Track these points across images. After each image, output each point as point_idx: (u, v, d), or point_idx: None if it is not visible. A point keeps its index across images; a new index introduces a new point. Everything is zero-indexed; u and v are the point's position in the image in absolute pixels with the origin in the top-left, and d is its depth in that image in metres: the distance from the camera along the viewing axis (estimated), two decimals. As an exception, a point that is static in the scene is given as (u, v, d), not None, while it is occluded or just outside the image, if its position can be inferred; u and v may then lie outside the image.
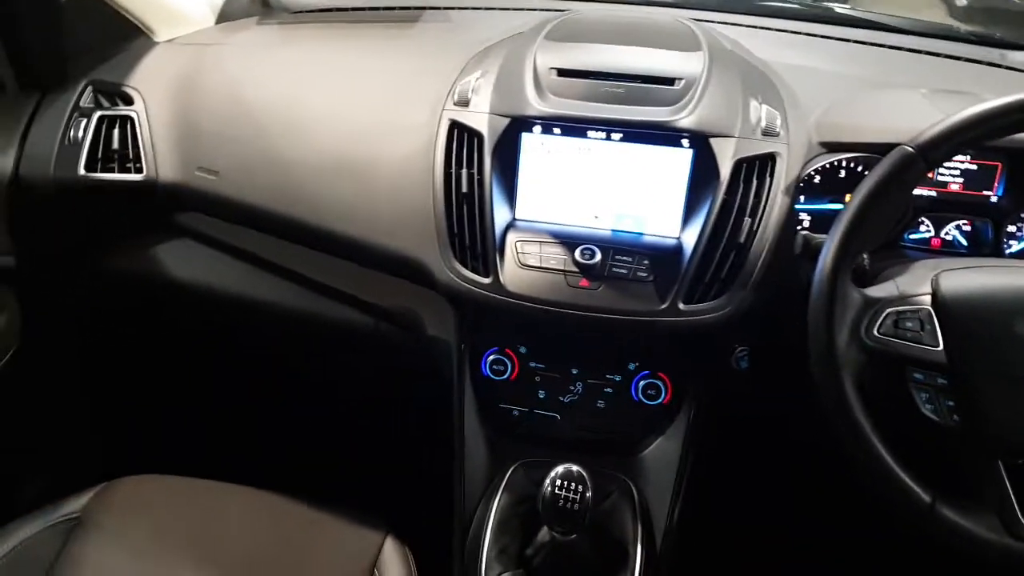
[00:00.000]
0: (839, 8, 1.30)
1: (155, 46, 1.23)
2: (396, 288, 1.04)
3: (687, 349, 0.96)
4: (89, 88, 1.15)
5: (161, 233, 1.20)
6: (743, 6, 1.27)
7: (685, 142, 0.91)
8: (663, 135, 0.91)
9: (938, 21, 1.43)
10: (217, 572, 0.92)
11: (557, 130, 0.94)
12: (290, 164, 1.05)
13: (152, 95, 1.15)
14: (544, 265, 0.91)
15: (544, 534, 0.88)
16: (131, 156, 1.12)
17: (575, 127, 0.93)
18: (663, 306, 0.88)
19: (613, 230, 0.95)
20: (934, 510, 0.71)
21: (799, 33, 1.20)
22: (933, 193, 0.95)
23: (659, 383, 0.97)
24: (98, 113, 1.12)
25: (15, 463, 1.27)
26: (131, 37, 1.22)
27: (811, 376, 0.75)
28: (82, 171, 1.10)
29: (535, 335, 0.99)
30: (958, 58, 1.14)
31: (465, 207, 0.93)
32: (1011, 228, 0.95)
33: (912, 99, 0.98)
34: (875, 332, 0.74)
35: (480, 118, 0.95)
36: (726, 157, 0.90)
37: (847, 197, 0.93)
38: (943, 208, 0.95)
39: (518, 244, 0.93)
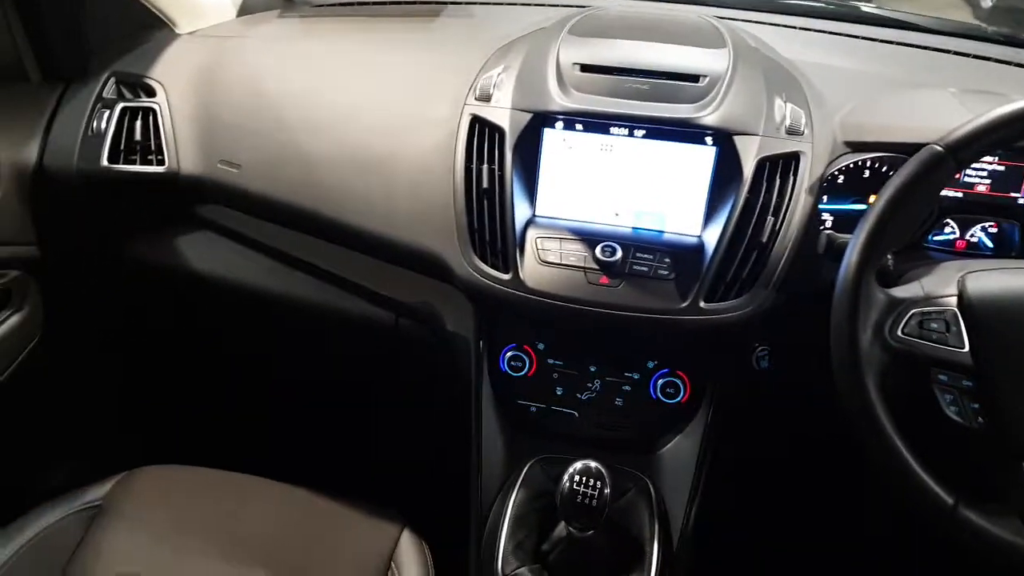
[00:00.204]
0: (865, 7, 1.29)
1: (177, 38, 1.24)
2: (415, 283, 1.05)
3: (707, 348, 0.96)
4: (112, 80, 1.16)
5: (182, 225, 1.20)
6: (768, 5, 1.26)
7: (709, 140, 0.91)
8: (686, 132, 0.91)
9: (964, 21, 1.42)
10: (235, 561, 0.93)
11: (579, 126, 0.93)
12: (311, 158, 1.05)
13: (174, 87, 1.16)
14: (564, 262, 0.91)
15: (561, 530, 0.88)
16: (153, 148, 1.12)
17: (597, 123, 0.93)
18: (684, 304, 0.88)
19: (634, 227, 0.95)
20: (957, 512, 0.70)
21: (824, 32, 1.19)
22: (959, 194, 0.94)
23: (678, 381, 0.96)
24: (121, 104, 1.13)
25: (38, 451, 1.28)
26: (153, 29, 1.23)
27: (833, 376, 0.75)
28: (105, 162, 1.10)
29: (553, 332, 0.99)
30: (985, 58, 1.13)
31: (485, 203, 0.93)
32: None
33: (940, 99, 0.97)
34: (899, 333, 0.74)
35: (502, 113, 0.95)
36: (750, 155, 0.89)
37: (871, 198, 0.93)
38: (969, 209, 0.94)
39: (538, 240, 0.93)
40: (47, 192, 1.12)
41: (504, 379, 1.00)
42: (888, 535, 1.31)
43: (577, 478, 0.82)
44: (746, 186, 0.89)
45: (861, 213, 0.81)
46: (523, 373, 1.00)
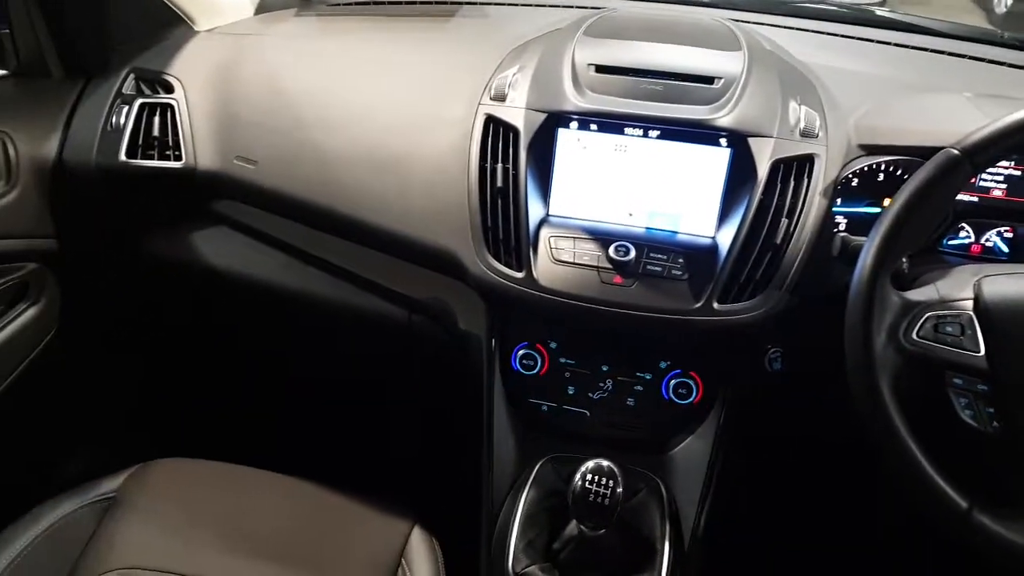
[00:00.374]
0: (880, 11, 1.29)
1: (195, 35, 1.25)
2: (429, 281, 1.05)
3: (720, 349, 0.96)
4: (131, 76, 1.17)
5: (198, 220, 1.21)
6: (782, 8, 1.26)
7: (723, 141, 0.91)
8: (701, 133, 0.91)
9: (978, 26, 1.41)
10: (247, 555, 0.93)
11: (594, 126, 0.94)
12: (327, 155, 1.06)
13: (192, 84, 1.17)
14: (578, 261, 0.92)
15: (572, 528, 0.88)
16: (171, 144, 1.13)
17: (612, 123, 0.93)
18: (697, 305, 0.88)
19: (647, 228, 0.95)
20: (971, 517, 0.70)
21: (839, 35, 1.19)
22: (975, 199, 0.94)
23: (690, 382, 0.96)
24: (139, 100, 1.14)
25: (53, 443, 1.30)
26: (172, 26, 1.24)
27: (846, 379, 0.75)
28: (123, 157, 1.11)
29: (565, 331, 0.99)
30: (1000, 63, 1.13)
31: (499, 201, 0.93)
32: None
33: (955, 103, 0.97)
34: (914, 336, 0.74)
35: (516, 113, 0.95)
36: (764, 157, 0.89)
37: (885, 201, 0.93)
38: (985, 214, 0.94)
39: (552, 239, 0.93)
40: (66, 186, 1.13)
41: (516, 377, 1.01)
42: (900, 539, 1.31)
43: (589, 477, 0.82)
44: (760, 188, 0.89)
45: (875, 216, 0.81)
46: (535, 372, 1.00)
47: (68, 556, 0.91)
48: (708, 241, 0.93)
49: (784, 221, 0.88)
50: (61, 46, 1.13)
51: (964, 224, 0.95)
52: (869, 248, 0.75)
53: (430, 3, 1.34)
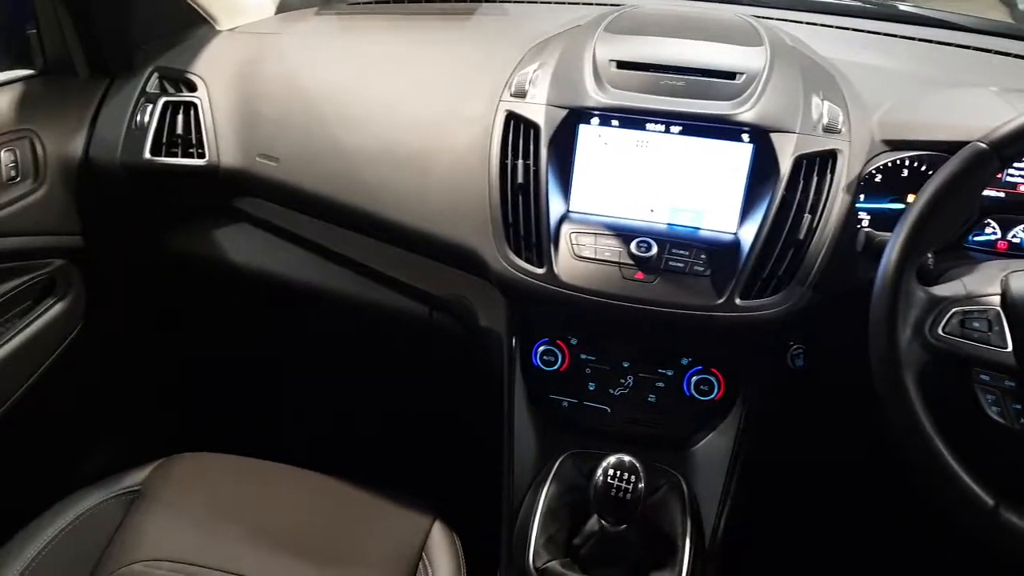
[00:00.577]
0: (903, 6, 1.28)
1: (218, 35, 1.26)
2: (449, 277, 1.06)
3: (742, 345, 0.95)
4: (155, 74, 1.19)
5: (220, 217, 1.23)
6: (805, 4, 1.25)
7: (745, 136, 0.91)
8: (723, 129, 0.91)
9: (1003, 20, 1.40)
10: (270, 548, 0.94)
11: (615, 122, 0.94)
12: (348, 152, 1.07)
13: (215, 82, 1.18)
14: (599, 257, 0.92)
15: (593, 524, 0.88)
16: (194, 141, 1.14)
17: (634, 119, 0.93)
18: (720, 301, 0.88)
19: (669, 224, 0.95)
20: (997, 514, 0.69)
21: (862, 31, 1.18)
22: (1002, 194, 0.93)
23: (712, 379, 0.96)
24: (163, 99, 1.16)
25: (79, 436, 1.31)
26: (195, 26, 1.26)
27: (871, 375, 0.74)
28: (147, 155, 1.13)
29: (586, 327, 0.99)
30: None
31: (520, 198, 0.93)
32: None
33: (981, 98, 0.96)
34: (940, 331, 0.73)
35: (537, 109, 0.95)
36: (786, 153, 0.89)
37: (909, 197, 0.92)
38: (1011, 210, 0.93)
39: (573, 235, 0.93)
40: (92, 183, 1.15)
41: (536, 373, 1.01)
42: (924, 539, 1.29)
43: (611, 472, 0.82)
44: (783, 183, 0.88)
45: (899, 213, 0.80)
46: (555, 368, 1.00)
47: (95, 547, 0.93)
48: (730, 237, 0.92)
49: (807, 217, 0.88)
50: (87, 46, 1.14)
51: (990, 220, 0.94)
52: (895, 242, 0.74)
53: (449, 1, 1.34)
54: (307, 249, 1.18)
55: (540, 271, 0.92)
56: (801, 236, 0.88)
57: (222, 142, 1.14)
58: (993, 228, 0.94)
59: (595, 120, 0.94)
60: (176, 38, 1.24)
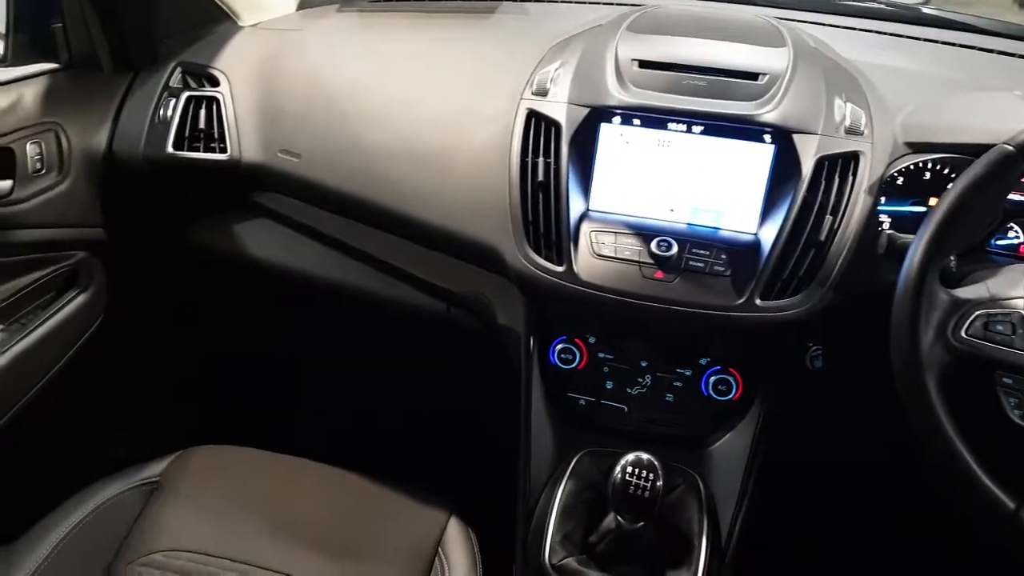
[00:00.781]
0: (926, 9, 1.27)
1: (240, 30, 1.27)
2: (468, 274, 1.06)
3: (761, 346, 0.95)
4: (178, 69, 1.20)
5: (240, 212, 1.23)
6: (827, 6, 1.25)
7: (767, 137, 0.91)
8: (745, 129, 0.91)
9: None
10: (287, 541, 0.95)
11: (637, 121, 0.94)
12: (369, 149, 1.07)
13: (237, 77, 1.19)
14: (619, 255, 0.91)
15: (610, 521, 0.88)
16: (216, 136, 1.15)
17: (655, 118, 0.93)
18: (740, 301, 0.88)
19: (689, 224, 0.95)
20: (1018, 518, 0.69)
21: (885, 33, 1.18)
22: None
23: (730, 379, 0.96)
24: (186, 94, 1.17)
25: (99, 426, 1.33)
26: (218, 21, 1.27)
27: (890, 377, 0.74)
28: (170, 149, 1.14)
29: (604, 325, 0.99)
30: None
31: (541, 195, 0.94)
32: None
33: (1005, 101, 0.95)
34: (963, 334, 0.73)
35: (558, 108, 0.95)
36: (808, 154, 0.89)
37: (931, 200, 0.92)
38: None
39: (593, 234, 0.93)
40: (115, 177, 1.16)
41: (554, 371, 1.01)
42: (943, 542, 1.29)
43: (630, 469, 0.82)
44: (804, 185, 0.88)
45: (921, 216, 0.80)
46: (573, 366, 1.00)
47: (115, 536, 0.94)
48: (750, 238, 0.92)
49: (828, 218, 0.88)
50: (111, 40, 1.15)
51: (1013, 224, 0.93)
52: (919, 243, 0.74)
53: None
54: (326, 245, 1.19)
55: (559, 269, 0.92)
56: (822, 237, 0.87)
57: (244, 137, 1.15)
58: (1016, 232, 0.94)
59: (617, 119, 0.94)
60: (199, 33, 1.25)
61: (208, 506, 0.98)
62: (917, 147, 0.92)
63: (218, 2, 1.25)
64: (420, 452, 1.47)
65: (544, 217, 0.93)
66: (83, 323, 1.19)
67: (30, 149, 1.05)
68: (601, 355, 1.00)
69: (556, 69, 1.00)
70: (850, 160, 0.90)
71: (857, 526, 1.37)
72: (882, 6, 1.26)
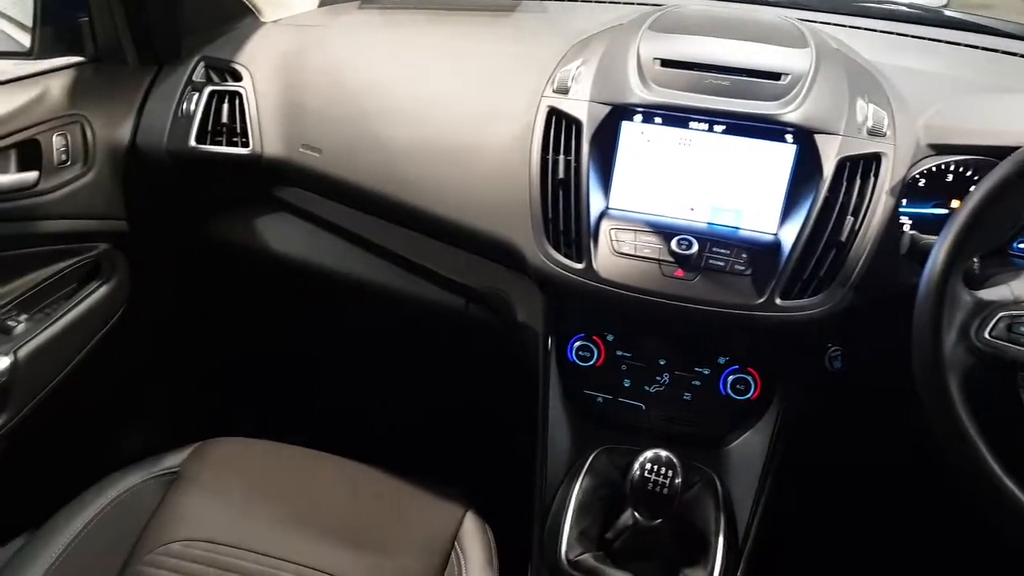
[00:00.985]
0: (949, 11, 1.27)
1: (262, 26, 1.28)
2: (487, 271, 1.07)
3: (780, 345, 0.95)
4: (201, 64, 1.21)
5: (261, 206, 1.24)
6: (849, 7, 1.25)
7: (789, 137, 0.91)
8: (767, 129, 0.91)
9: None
10: (304, 533, 0.96)
11: (658, 120, 0.94)
12: (390, 145, 1.08)
13: (259, 73, 1.19)
14: (639, 253, 0.92)
15: (627, 518, 0.89)
16: (238, 130, 1.16)
17: (677, 117, 0.93)
18: (760, 300, 0.88)
19: (709, 223, 0.95)
20: (1041, 521, 0.69)
21: (907, 35, 1.17)
22: None
23: (748, 378, 0.96)
24: (209, 88, 1.17)
25: (119, 417, 1.34)
26: (240, 16, 1.28)
27: (910, 378, 0.74)
28: (192, 143, 1.15)
29: (622, 323, 0.99)
30: None
31: (561, 193, 0.94)
32: None
33: (1030, 103, 0.95)
34: (986, 335, 0.73)
35: (580, 106, 0.96)
36: (830, 155, 0.89)
37: (953, 203, 0.91)
38: None
39: (613, 232, 0.93)
40: (138, 169, 1.17)
41: (572, 369, 1.01)
42: (963, 546, 1.28)
43: (648, 466, 0.82)
44: (826, 185, 0.88)
45: (942, 218, 0.80)
46: (591, 363, 1.00)
47: (135, 525, 0.95)
48: (770, 237, 0.92)
49: (849, 219, 0.88)
50: (136, 34, 1.16)
51: None
52: (942, 244, 0.74)
53: None
54: (347, 240, 1.20)
55: (579, 266, 0.92)
56: (843, 238, 0.87)
57: (266, 132, 1.16)
58: None
59: (638, 117, 0.94)
60: (222, 28, 1.26)
61: (227, 497, 0.99)
62: (939, 149, 0.92)
63: (241, -3, 1.26)
64: (437, 447, 1.47)
65: (564, 214, 0.94)
66: (105, 314, 1.20)
67: (56, 141, 1.06)
68: (619, 353, 1.00)
69: (577, 67, 1.00)
70: (872, 161, 0.90)
71: (875, 527, 1.37)
72: (904, 8, 1.26)
